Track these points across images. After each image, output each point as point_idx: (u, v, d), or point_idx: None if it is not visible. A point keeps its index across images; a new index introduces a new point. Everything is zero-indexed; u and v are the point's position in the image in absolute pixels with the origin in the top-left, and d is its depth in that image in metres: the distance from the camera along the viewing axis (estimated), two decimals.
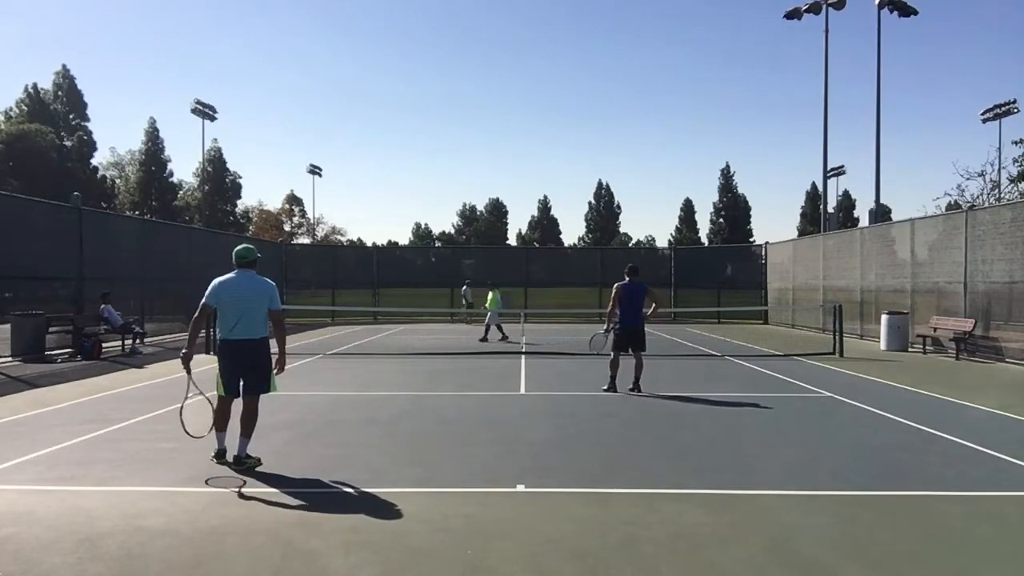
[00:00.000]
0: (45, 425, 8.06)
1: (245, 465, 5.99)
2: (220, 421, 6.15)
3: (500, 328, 20.17)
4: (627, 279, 10.69)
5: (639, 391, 10.29)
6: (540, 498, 5.39)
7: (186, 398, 6.27)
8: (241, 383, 6.10)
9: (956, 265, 16.26)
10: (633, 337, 10.61)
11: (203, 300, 6.14)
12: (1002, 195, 33.27)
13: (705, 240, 77.19)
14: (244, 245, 6.43)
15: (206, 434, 6.12)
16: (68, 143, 59.95)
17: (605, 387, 10.50)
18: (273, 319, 6.20)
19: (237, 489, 5.50)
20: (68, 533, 4.54)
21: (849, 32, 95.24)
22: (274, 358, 6.18)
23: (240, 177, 72.47)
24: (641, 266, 11.52)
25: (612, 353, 10.70)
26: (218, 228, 51.40)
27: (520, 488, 5.60)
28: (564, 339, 20.73)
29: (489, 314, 20.05)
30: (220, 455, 6.10)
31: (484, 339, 19.68)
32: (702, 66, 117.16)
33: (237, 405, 6.17)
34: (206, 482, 5.70)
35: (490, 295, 20.39)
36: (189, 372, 6.02)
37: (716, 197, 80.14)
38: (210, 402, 6.28)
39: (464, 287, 27.79)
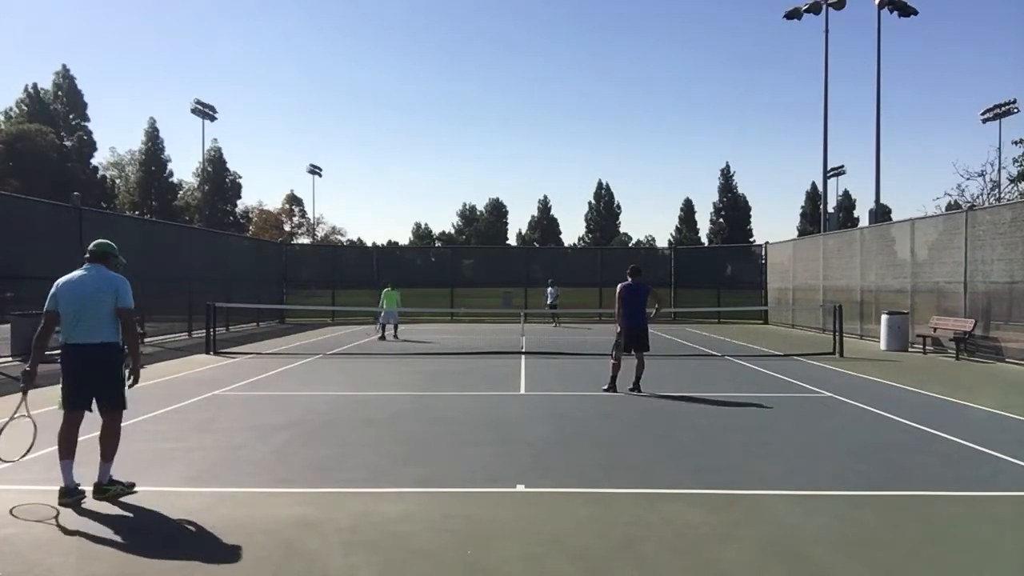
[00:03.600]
0: (45, 425, 8.03)
1: (109, 493, 5.17)
2: (64, 447, 5.17)
3: (395, 328, 21.00)
4: (629, 279, 10.70)
5: (639, 391, 10.30)
6: (540, 498, 5.39)
7: (11, 418, 5.30)
8: (94, 398, 5.30)
9: (956, 265, 16.26)
10: (635, 337, 10.60)
11: (45, 305, 5.32)
12: (1002, 195, 33.28)
13: (705, 240, 77.23)
14: (99, 239, 5.61)
15: (18, 459, 5.35)
16: (68, 143, 60.01)
17: (605, 387, 10.50)
18: (122, 319, 5.32)
19: (237, 489, 5.49)
20: (68, 533, 4.54)
21: (849, 32, 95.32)
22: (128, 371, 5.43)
23: (240, 177, 72.68)
24: (641, 266, 11.47)
25: (614, 353, 10.71)
26: (218, 228, 51.37)
27: (520, 488, 5.59)
28: (564, 339, 20.74)
29: (384, 313, 20.75)
30: (67, 493, 5.06)
31: (382, 338, 20.39)
32: (702, 66, 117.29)
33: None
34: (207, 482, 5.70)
35: (387, 293, 20.90)
36: (26, 391, 5.28)
37: (716, 197, 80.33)
38: (34, 423, 5.37)
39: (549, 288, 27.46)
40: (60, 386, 5.31)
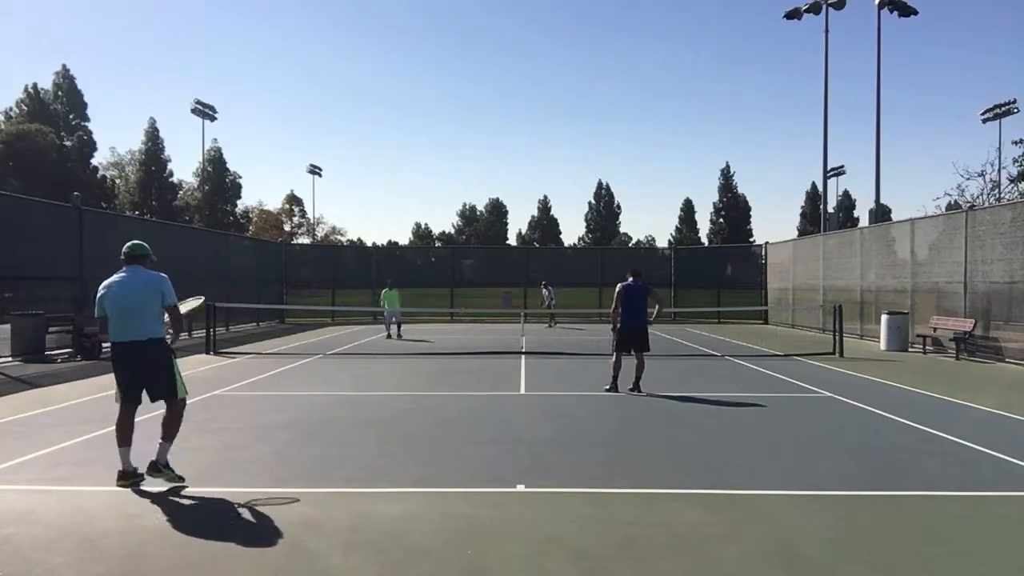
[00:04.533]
0: (45, 425, 8.06)
1: (162, 474, 5.46)
2: (121, 434, 5.57)
3: (397, 328, 21.40)
4: (629, 280, 10.71)
5: (639, 391, 10.30)
6: (540, 498, 5.39)
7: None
8: (145, 392, 5.67)
9: (956, 265, 16.26)
10: (635, 337, 10.60)
11: (96, 314, 5.68)
12: (1002, 195, 33.29)
13: (705, 240, 77.19)
14: (131, 241, 5.87)
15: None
16: (68, 143, 59.97)
17: (607, 387, 10.50)
18: (171, 315, 5.74)
19: (237, 489, 5.49)
20: (68, 533, 4.54)
21: (849, 32, 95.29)
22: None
23: (240, 177, 72.55)
24: (642, 267, 11.46)
25: (614, 353, 10.70)
26: (218, 228, 51.38)
27: (520, 488, 5.59)
28: (564, 339, 20.74)
29: (386, 312, 21.12)
30: (125, 475, 5.49)
31: (388, 336, 20.85)
32: (702, 66, 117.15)
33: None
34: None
35: (387, 294, 21.25)
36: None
37: (716, 197, 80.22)
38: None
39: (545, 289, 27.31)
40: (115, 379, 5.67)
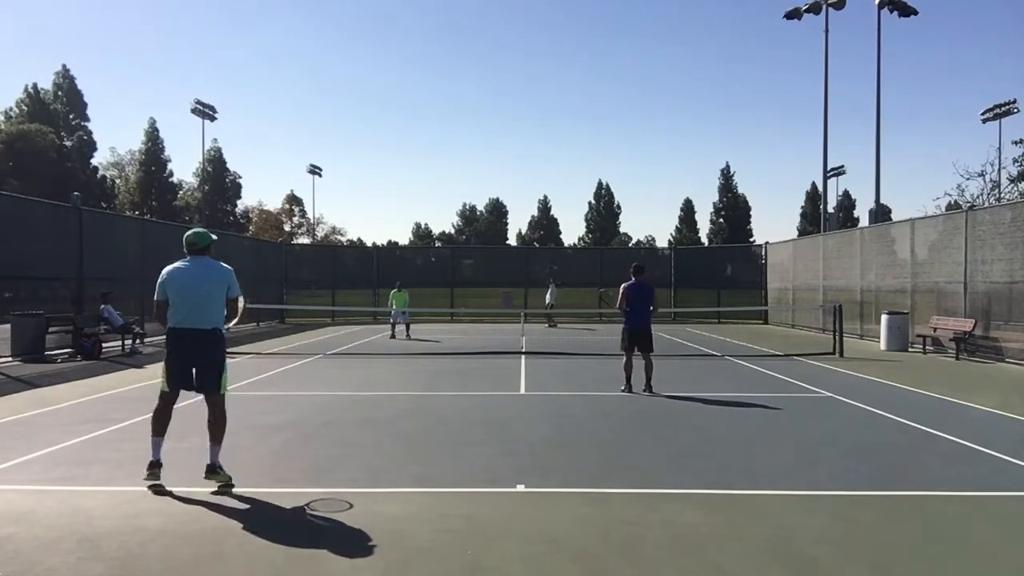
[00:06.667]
0: (45, 425, 8.06)
1: (219, 476, 5.50)
2: (159, 424, 5.63)
3: (406, 328, 21.50)
4: (633, 279, 10.72)
5: (651, 392, 10.33)
6: (540, 498, 5.39)
7: None
8: (194, 380, 5.73)
9: (956, 265, 16.26)
10: (640, 337, 10.64)
11: (155, 296, 5.73)
12: (1002, 195, 33.31)
13: (705, 240, 77.15)
14: (195, 230, 6.00)
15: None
16: (68, 143, 59.96)
17: (622, 388, 10.52)
18: (232, 307, 5.87)
19: (237, 489, 5.49)
20: (68, 533, 4.54)
21: (849, 32, 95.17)
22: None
23: (240, 177, 72.61)
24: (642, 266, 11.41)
25: (624, 355, 10.73)
26: (218, 228, 51.35)
27: (520, 488, 5.59)
28: (564, 339, 20.74)
29: (393, 312, 21.42)
30: (153, 466, 5.49)
31: (392, 336, 21.18)
32: (702, 66, 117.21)
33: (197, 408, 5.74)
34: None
35: (395, 294, 21.48)
36: None
37: (716, 197, 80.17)
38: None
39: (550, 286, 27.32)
40: (164, 364, 5.74)
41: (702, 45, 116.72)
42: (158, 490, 5.40)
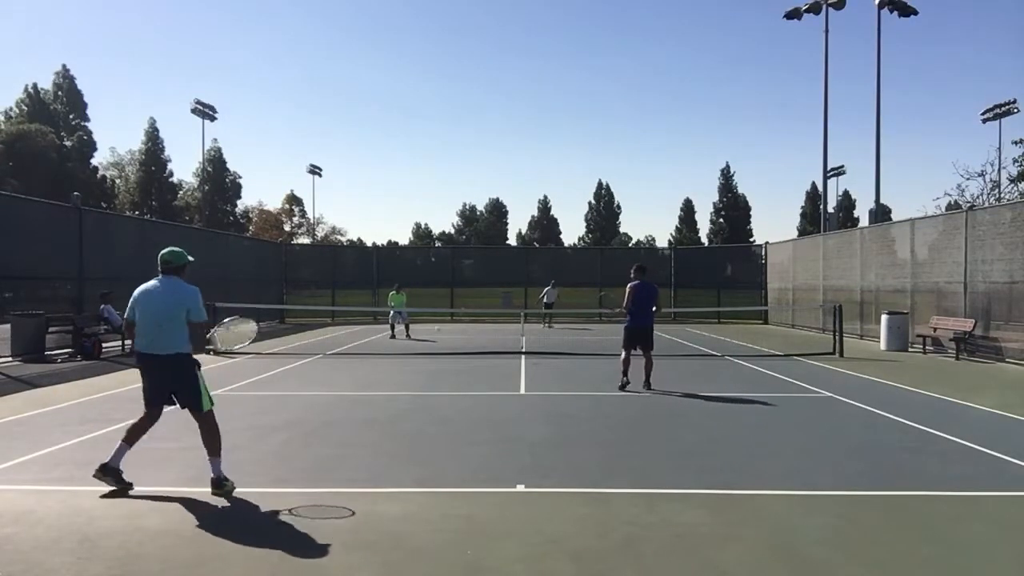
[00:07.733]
0: (45, 425, 8.06)
1: (225, 488, 5.40)
2: (131, 434, 5.58)
3: (406, 328, 21.52)
4: (637, 279, 10.79)
5: (650, 388, 10.46)
6: (540, 498, 5.39)
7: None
8: (175, 401, 5.64)
9: (956, 265, 16.26)
10: (642, 336, 10.78)
11: (125, 315, 5.61)
12: (1002, 195, 33.32)
13: (705, 240, 77.17)
14: (171, 249, 5.69)
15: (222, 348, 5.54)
16: (68, 143, 59.98)
17: (620, 385, 10.60)
18: (192, 332, 5.53)
19: (237, 489, 5.49)
20: (68, 533, 4.54)
21: (849, 32, 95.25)
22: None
23: (240, 177, 72.59)
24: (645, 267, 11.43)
25: (623, 352, 10.87)
26: (218, 228, 51.36)
27: (520, 488, 5.59)
28: (564, 339, 20.73)
29: (392, 312, 21.54)
30: (105, 470, 5.35)
31: (392, 337, 21.21)
32: (702, 66, 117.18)
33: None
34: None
35: (394, 296, 21.67)
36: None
37: (716, 197, 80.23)
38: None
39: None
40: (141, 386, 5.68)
41: (702, 45, 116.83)
42: (113, 494, 5.29)
